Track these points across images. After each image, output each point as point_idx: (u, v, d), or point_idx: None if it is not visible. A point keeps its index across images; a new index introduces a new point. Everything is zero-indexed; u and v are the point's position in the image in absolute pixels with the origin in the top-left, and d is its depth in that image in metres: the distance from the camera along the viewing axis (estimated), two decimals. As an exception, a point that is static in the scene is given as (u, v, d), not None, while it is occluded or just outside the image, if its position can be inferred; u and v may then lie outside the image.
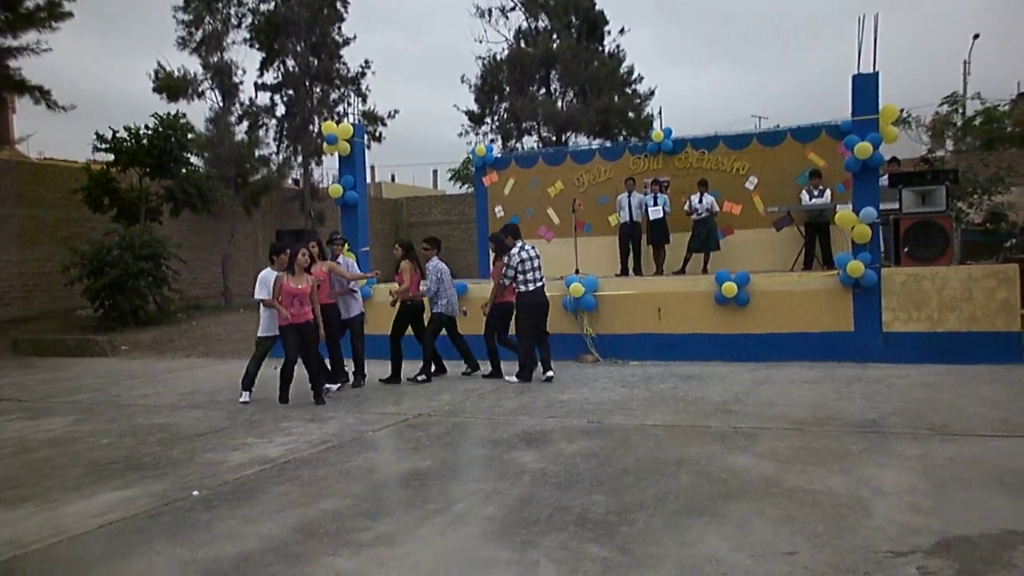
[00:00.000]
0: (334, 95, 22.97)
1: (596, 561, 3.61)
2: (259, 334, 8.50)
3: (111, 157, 16.41)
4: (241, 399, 8.30)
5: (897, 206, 10.03)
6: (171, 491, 5.08)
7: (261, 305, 8.34)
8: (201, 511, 4.64)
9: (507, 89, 25.46)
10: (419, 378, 9.19)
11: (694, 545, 3.76)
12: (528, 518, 4.25)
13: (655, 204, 12.99)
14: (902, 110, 18.02)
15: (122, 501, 4.89)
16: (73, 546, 4.14)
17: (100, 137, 16.26)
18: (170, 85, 19.81)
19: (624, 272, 13.19)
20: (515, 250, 8.89)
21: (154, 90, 19.78)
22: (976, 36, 34.53)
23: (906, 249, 9.72)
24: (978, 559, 3.46)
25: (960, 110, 23.46)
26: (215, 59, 20.44)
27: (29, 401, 9.12)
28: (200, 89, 20.42)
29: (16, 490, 5.27)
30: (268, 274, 8.26)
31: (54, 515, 4.67)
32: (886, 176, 11.25)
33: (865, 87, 9.47)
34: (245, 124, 21.87)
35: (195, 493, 5.01)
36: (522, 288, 8.89)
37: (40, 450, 6.49)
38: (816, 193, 12.11)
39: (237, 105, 21.53)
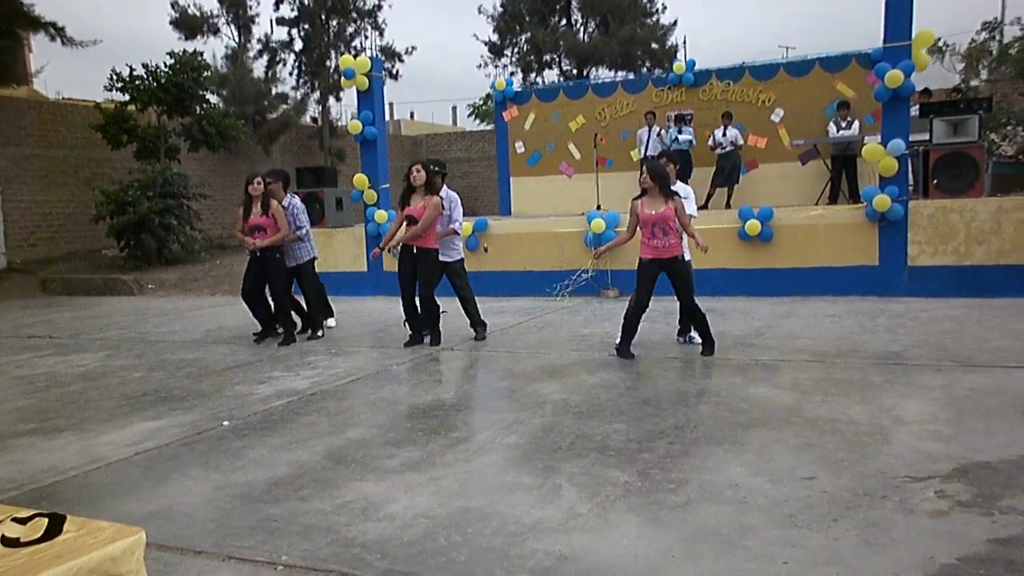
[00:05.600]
0: (350, 29, 22.66)
1: (617, 485, 3.68)
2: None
3: (126, 96, 16.35)
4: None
5: (927, 137, 9.80)
6: (202, 421, 5.22)
7: None
8: (232, 440, 4.77)
9: (527, 19, 24.87)
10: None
11: (713, 471, 3.81)
12: (550, 446, 4.33)
13: (680, 136, 12.77)
14: (939, 39, 17.33)
15: (155, 431, 5.04)
16: (110, 472, 4.29)
17: (116, 75, 16.19)
18: (186, 22, 19.60)
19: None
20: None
21: (171, 24, 19.63)
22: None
23: (935, 181, 9.52)
24: (996, 483, 3.48)
25: (997, 37, 22.54)
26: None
27: (60, 338, 9.32)
28: (216, 25, 20.19)
29: (52, 421, 5.43)
30: None
31: (90, 444, 4.82)
32: (917, 106, 10.98)
33: (898, 10, 9.14)
34: (264, 60, 21.71)
35: (225, 423, 5.14)
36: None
37: (73, 384, 6.66)
38: (844, 125, 11.85)
39: (254, 41, 21.34)
